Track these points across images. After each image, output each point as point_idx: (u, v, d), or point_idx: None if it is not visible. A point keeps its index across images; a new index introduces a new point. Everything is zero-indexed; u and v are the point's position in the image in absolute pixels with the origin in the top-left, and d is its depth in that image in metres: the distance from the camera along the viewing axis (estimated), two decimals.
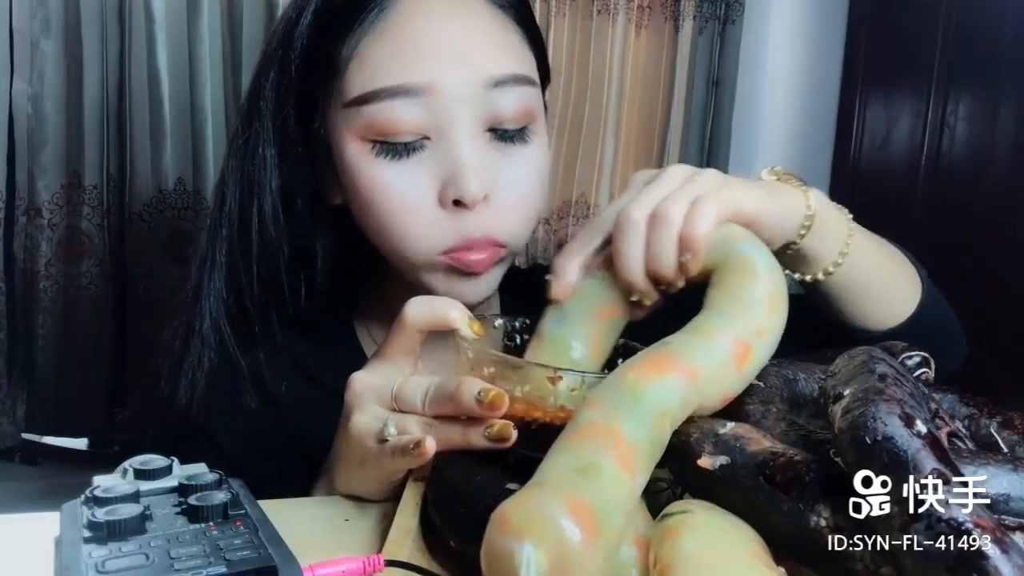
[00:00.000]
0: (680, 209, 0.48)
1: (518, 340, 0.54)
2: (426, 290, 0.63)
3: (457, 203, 0.60)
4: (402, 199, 0.61)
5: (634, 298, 0.50)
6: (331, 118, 0.63)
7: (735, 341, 0.41)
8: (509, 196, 0.62)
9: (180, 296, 0.70)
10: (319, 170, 0.66)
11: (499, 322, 0.53)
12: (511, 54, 0.63)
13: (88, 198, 1.74)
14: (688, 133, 2.22)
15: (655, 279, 0.49)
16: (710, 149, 2.24)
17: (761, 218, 0.50)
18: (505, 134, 0.62)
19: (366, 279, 0.73)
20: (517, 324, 0.54)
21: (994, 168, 1.77)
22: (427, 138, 0.61)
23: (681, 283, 0.49)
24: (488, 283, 0.64)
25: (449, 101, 0.60)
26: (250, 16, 1.78)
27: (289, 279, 0.67)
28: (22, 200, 1.71)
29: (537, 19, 0.71)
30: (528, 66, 0.65)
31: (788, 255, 0.55)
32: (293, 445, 0.62)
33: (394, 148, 0.61)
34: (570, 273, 0.51)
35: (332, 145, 0.64)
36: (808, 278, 0.57)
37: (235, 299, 0.67)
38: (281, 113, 0.65)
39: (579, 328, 0.50)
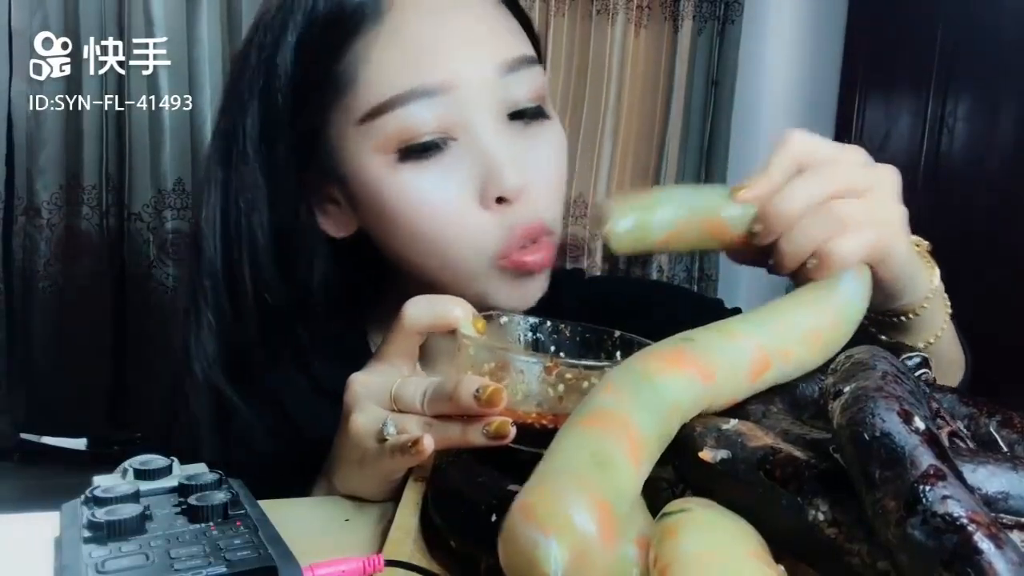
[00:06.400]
0: (857, 214, 0.46)
1: (528, 338, 0.54)
2: (483, 301, 0.58)
3: (500, 200, 0.58)
4: (443, 205, 0.58)
5: (756, 228, 0.47)
6: (341, 140, 0.59)
7: (758, 350, 0.40)
8: (544, 179, 0.60)
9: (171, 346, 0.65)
10: (318, 205, 0.63)
11: (504, 319, 0.53)
12: (517, 37, 0.62)
13: (87, 198, 1.74)
14: (687, 133, 2.22)
15: (766, 245, 0.47)
16: (709, 148, 2.24)
17: (893, 277, 0.49)
18: (525, 115, 0.60)
19: (377, 299, 0.69)
20: (521, 323, 0.54)
21: (994, 168, 1.78)
22: (452, 138, 0.58)
23: (784, 272, 0.47)
24: (544, 280, 0.62)
25: (468, 95, 0.57)
26: (249, 17, 1.78)
27: (290, 325, 0.64)
28: (21, 200, 1.72)
29: (536, 19, 0.71)
30: (531, 49, 0.63)
31: (906, 322, 0.54)
32: (305, 451, 0.61)
33: (421, 152, 0.57)
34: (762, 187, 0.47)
35: (345, 169, 0.60)
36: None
37: (232, 354, 0.63)
38: (272, 151, 0.61)
39: (673, 216, 0.47)
